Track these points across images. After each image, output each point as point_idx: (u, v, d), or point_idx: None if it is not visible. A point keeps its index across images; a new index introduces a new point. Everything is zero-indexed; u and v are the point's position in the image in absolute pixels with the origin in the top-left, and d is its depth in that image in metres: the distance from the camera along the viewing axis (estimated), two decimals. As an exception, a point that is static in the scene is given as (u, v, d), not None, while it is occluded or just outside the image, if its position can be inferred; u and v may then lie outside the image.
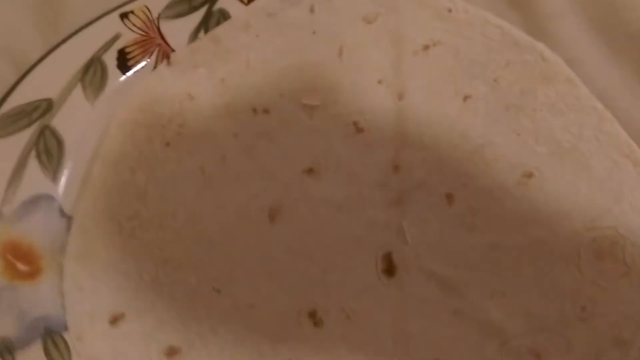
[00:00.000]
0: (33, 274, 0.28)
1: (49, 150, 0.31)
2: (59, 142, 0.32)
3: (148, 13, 0.37)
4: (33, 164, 0.31)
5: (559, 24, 0.41)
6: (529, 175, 0.31)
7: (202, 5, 0.38)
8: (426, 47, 0.37)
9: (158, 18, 0.38)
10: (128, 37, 0.36)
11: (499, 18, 0.38)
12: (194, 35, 0.38)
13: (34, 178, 0.30)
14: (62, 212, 0.30)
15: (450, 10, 0.37)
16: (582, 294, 0.29)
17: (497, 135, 0.33)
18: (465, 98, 0.35)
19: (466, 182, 0.32)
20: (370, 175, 0.33)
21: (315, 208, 0.31)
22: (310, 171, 0.32)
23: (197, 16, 0.38)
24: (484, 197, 0.31)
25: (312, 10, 0.38)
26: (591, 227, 0.29)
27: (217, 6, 0.39)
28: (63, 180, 0.31)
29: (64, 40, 0.35)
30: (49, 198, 0.30)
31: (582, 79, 0.35)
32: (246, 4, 0.39)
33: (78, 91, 0.34)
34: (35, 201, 0.30)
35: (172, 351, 0.29)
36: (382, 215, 0.31)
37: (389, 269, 0.30)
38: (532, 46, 0.36)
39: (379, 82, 0.35)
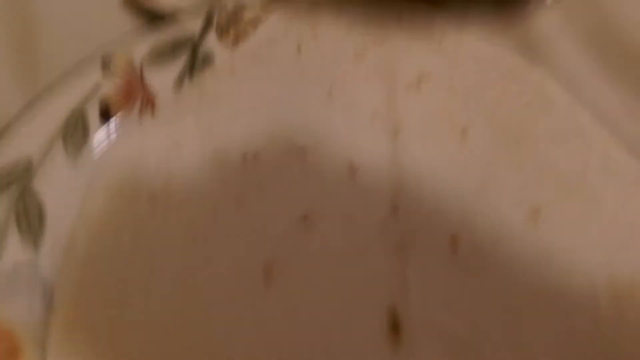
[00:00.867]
0: (12, 353, 0.26)
1: (28, 214, 0.30)
2: (39, 204, 0.30)
3: (130, 61, 0.36)
4: (12, 229, 0.29)
5: (554, 49, 0.40)
6: (537, 211, 0.30)
7: (186, 50, 0.37)
8: (419, 80, 0.35)
9: (141, 65, 0.36)
10: (109, 86, 0.35)
11: (493, 45, 0.37)
12: (179, 82, 0.36)
13: (14, 246, 0.29)
14: (44, 280, 0.28)
15: (441, 42, 0.36)
16: (603, 338, 0.27)
17: (499, 169, 0.31)
18: (463, 131, 0.33)
19: (470, 222, 0.30)
20: (369, 219, 0.31)
21: (312, 260, 0.29)
22: (305, 218, 0.31)
23: (182, 62, 0.37)
24: (490, 238, 0.29)
25: (299, 49, 0.37)
26: (606, 265, 0.28)
27: (201, 51, 0.38)
28: (44, 245, 0.29)
29: (42, 93, 0.34)
30: (29, 265, 0.28)
31: (582, 104, 0.34)
32: (231, 48, 0.38)
33: (59, 147, 0.32)
34: (16, 272, 0.28)
35: None
36: (383, 264, 0.29)
37: (394, 325, 0.28)
38: (528, 74, 0.35)
39: (372, 119, 0.34)
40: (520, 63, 0.35)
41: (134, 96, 0.35)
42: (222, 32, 0.38)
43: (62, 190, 0.31)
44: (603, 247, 0.28)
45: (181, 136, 0.34)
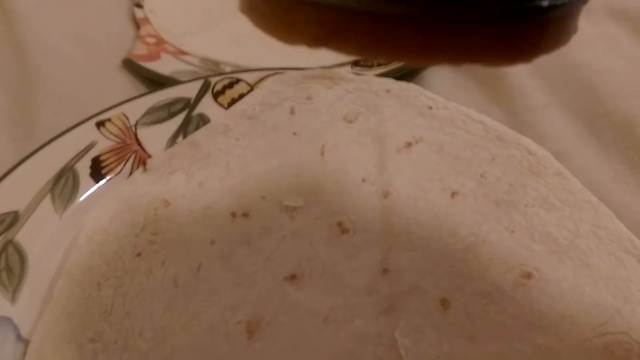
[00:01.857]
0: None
1: (10, 268, 0.29)
2: (22, 258, 0.29)
3: (125, 120, 0.37)
4: (-9, 283, 0.28)
5: (542, 118, 0.41)
6: (528, 275, 0.29)
7: (181, 110, 0.38)
8: (409, 144, 0.36)
9: (135, 125, 0.37)
10: (103, 145, 0.35)
11: (481, 114, 0.38)
12: (172, 141, 0.37)
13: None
14: (18, 336, 0.27)
15: (430, 108, 0.37)
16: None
17: (489, 232, 0.31)
18: (453, 194, 0.33)
19: (461, 285, 0.29)
20: (358, 280, 0.30)
21: (299, 320, 0.28)
22: (292, 278, 0.30)
23: (176, 122, 0.38)
24: (481, 301, 0.28)
25: (292, 111, 0.38)
26: (601, 332, 0.27)
27: (196, 111, 0.38)
28: (23, 299, 0.28)
29: (36, 150, 0.34)
30: (5, 320, 0.27)
31: (572, 172, 0.34)
32: (226, 108, 0.39)
33: (47, 203, 0.32)
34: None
35: None
36: (372, 326, 0.28)
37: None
38: (517, 140, 0.35)
39: (363, 180, 0.34)
40: (509, 131, 0.36)
41: (127, 154, 0.36)
42: (218, 94, 0.39)
43: (46, 244, 0.30)
44: (597, 314, 0.27)
45: (171, 193, 0.34)
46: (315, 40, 0.14)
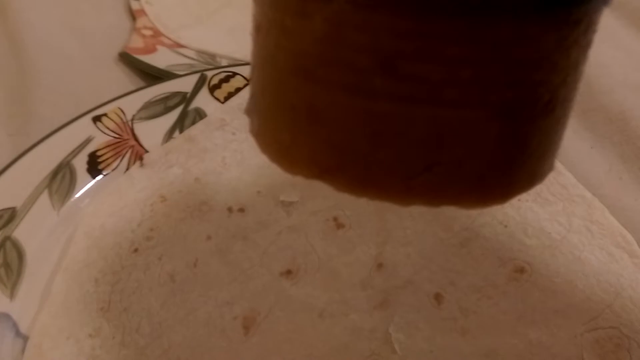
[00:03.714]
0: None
1: (8, 264, 0.29)
2: (20, 254, 0.30)
3: (122, 115, 0.37)
4: (-11, 279, 0.29)
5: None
6: (521, 270, 0.29)
7: (177, 105, 0.38)
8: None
9: (132, 120, 0.37)
10: (100, 140, 0.36)
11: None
12: (169, 136, 0.37)
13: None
14: (17, 332, 0.28)
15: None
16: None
17: (483, 227, 0.32)
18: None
19: (455, 280, 0.30)
20: (353, 275, 0.31)
21: (294, 315, 0.29)
22: (288, 273, 0.30)
23: (172, 116, 0.38)
24: (474, 296, 0.29)
25: (288, 106, 0.38)
26: (592, 327, 0.27)
27: (192, 105, 0.38)
28: (21, 296, 0.29)
29: (33, 146, 0.34)
30: (4, 317, 0.28)
31: (566, 166, 0.34)
32: (222, 102, 0.39)
33: (44, 198, 0.32)
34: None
35: None
36: (367, 320, 0.29)
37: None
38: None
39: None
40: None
41: (124, 149, 0.36)
42: (214, 88, 0.39)
43: (44, 240, 0.31)
44: (588, 309, 0.28)
45: (167, 188, 0.34)
46: (311, 175, 0.16)
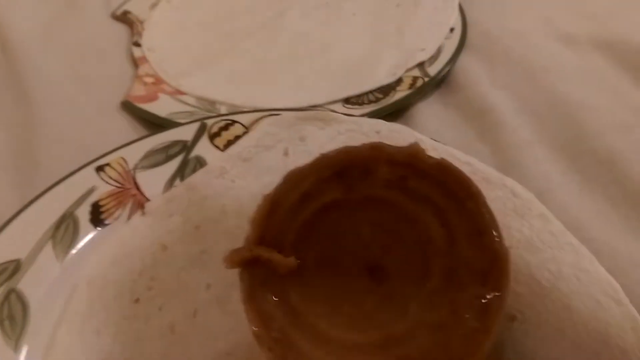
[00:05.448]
0: None
1: (12, 316, 0.30)
2: (24, 306, 0.31)
3: (124, 164, 0.38)
4: (-6, 333, 0.30)
5: (527, 154, 0.42)
6: (512, 318, 0.30)
7: (178, 153, 0.40)
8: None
9: (134, 169, 0.38)
10: (103, 189, 0.37)
11: (468, 151, 0.39)
12: (170, 184, 0.38)
13: (-5, 349, 0.29)
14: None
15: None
16: None
17: (475, 274, 0.32)
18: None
19: (447, 328, 0.30)
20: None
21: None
22: (286, 322, 0.31)
23: (173, 165, 0.39)
24: (466, 345, 0.29)
25: (286, 153, 0.39)
26: (583, 377, 0.28)
27: (193, 154, 0.40)
28: (25, 347, 0.29)
29: (37, 197, 0.35)
30: (8, 370, 0.29)
31: (554, 209, 0.35)
32: (222, 150, 0.40)
33: (48, 250, 0.33)
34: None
35: None
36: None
37: None
38: (502, 182, 0.36)
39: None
40: (494, 173, 0.37)
41: (126, 198, 0.37)
42: (214, 136, 0.40)
43: (47, 291, 0.32)
44: (578, 358, 0.28)
45: (168, 237, 0.35)
46: None
